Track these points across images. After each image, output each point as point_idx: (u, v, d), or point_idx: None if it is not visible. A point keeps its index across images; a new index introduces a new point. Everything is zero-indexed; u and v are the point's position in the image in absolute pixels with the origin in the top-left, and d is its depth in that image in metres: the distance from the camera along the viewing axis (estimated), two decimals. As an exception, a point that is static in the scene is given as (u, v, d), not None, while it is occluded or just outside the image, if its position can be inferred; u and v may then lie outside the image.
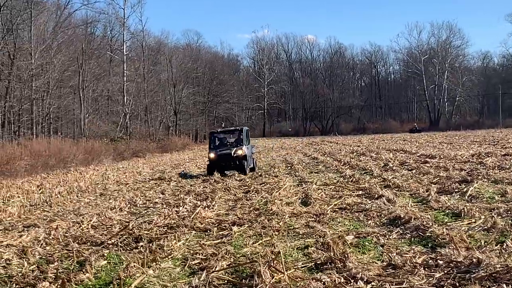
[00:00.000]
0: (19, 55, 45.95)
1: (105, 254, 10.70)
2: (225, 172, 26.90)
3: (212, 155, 26.25)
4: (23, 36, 48.23)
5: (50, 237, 12.57)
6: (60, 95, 54.48)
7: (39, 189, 23.94)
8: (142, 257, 9.82)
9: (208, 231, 12.64)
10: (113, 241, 11.96)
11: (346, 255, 9.03)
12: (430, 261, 8.60)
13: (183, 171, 31.76)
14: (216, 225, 13.25)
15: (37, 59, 47.59)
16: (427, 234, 10.43)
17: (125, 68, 65.31)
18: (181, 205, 16.81)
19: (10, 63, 44.79)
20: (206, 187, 22.14)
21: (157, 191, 22.10)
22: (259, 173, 28.06)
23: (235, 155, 25.61)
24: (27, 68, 46.04)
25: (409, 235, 10.72)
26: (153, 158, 48.18)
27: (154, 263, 9.67)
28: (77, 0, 56.78)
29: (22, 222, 15.77)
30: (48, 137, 47.37)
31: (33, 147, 37.90)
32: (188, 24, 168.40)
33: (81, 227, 13.76)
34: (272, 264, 8.61)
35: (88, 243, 12.03)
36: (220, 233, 12.27)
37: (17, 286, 8.82)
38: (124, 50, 65.88)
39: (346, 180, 21.28)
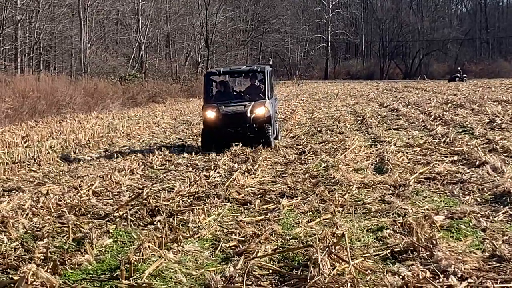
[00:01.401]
0: None
1: (111, 230, 9.61)
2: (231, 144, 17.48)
3: (211, 113, 17.21)
4: None
5: (39, 206, 11.42)
6: (53, 17, 46.05)
7: (25, 142, 22.31)
8: (160, 235, 8.86)
9: (248, 204, 11.28)
10: (121, 213, 10.74)
11: (434, 242, 8.04)
12: None
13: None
14: (259, 196, 11.89)
15: None
16: None
17: None
18: (212, 168, 15.34)
19: None
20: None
21: (180, 148, 20.32)
22: (318, 128, 24.28)
23: (252, 116, 16.93)
24: None
25: None
26: (176, 105, 42.84)
27: (176, 244, 8.71)
28: None
29: (1, 184, 14.70)
30: (38, 72, 40.56)
31: (17, 85, 33.16)
32: None
33: (79, 194, 12.48)
34: (333, 250, 7.74)
35: (89, 215, 10.81)
36: (264, 207, 10.89)
37: None
38: None
39: (436, 140, 18.93)
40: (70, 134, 24.76)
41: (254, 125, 16.83)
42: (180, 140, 22.94)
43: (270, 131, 16.99)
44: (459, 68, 67.97)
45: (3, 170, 16.12)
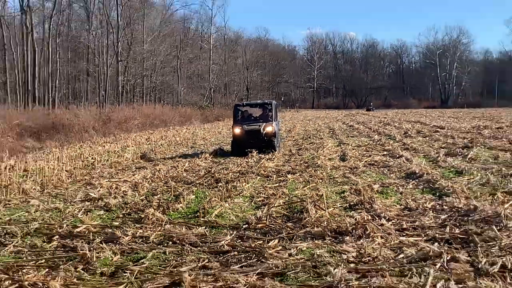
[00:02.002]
0: (135, 43, 59.48)
1: (194, 191, 12.59)
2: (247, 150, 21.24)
3: (237, 130, 21.11)
4: (138, 29, 61.61)
5: (155, 176, 14.93)
6: (163, 73, 67.42)
7: (147, 141, 28.54)
8: (220, 194, 11.75)
9: (269, 177, 14.65)
10: (199, 181, 14.09)
11: (373, 199, 10.36)
12: (437, 206, 9.76)
13: None
14: (275, 173, 15.31)
15: (147, 46, 61.10)
16: (436, 186, 11.83)
17: (211, 54, 79.49)
18: (249, 157, 19.44)
19: (128, 49, 58.22)
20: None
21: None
22: (308, 135, 30.38)
23: (264, 131, 20.74)
24: (140, 52, 59.57)
25: (421, 186, 12.20)
26: (230, 122, 50.03)
27: (229, 199, 11.35)
28: (177, 2, 70.77)
29: (135, 165, 18.99)
30: (154, 104, 58.82)
31: (143, 111, 45.83)
32: (259, 21, 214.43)
33: (176, 170, 16.34)
34: (316, 203, 10.01)
35: (182, 182, 14.04)
36: (278, 179, 14.18)
37: (130, 210, 10.56)
38: (211, 41, 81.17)
39: (374, 143, 24.42)
40: (171, 137, 31.44)
41: (265, 137, 20.75)
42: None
43: (275, 141, 21.16)
44: (371, 103, 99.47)
45: (135, 157, 21.05)
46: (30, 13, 50.38)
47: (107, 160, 20.12)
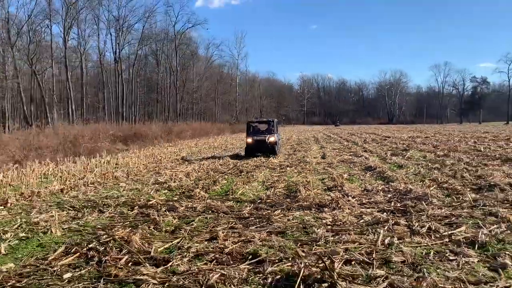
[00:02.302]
0: (187, 81, 62.31)
1: (226, 178, 12.63)
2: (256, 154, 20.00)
3: (249, 140, 19.71)
4: (189, 72, 64.17)
5: (200, 168, 14.96)
6: (206, 101, 69.65)
7: (195, 145, 28.43)
8: (243, 180, 11.95)
9: (275, 169, 14.57)
10: (229, 171, 14.08)
11: (343, 184, 10.48)
12: (386, 188, 9.83)
13: None
14: (279, 166, 15.22)
15: (195, 83, 63.95)
16: (385, 175, 11.88)
17: (237, 89, 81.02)
18: (260, 157, 19.02)
19: (183, 85, 60.86)
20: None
21: None
22: (301, 142, 30.14)
23: (268, 141, 19.38)
24: (190, 87, 62.43)
25: (375, 175, 12.21)
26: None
27: (248, 183, 11.43)
28: (215, 54, 74.71)
29: (185, 161, 18.63)
30: (200, 121, 60.03)
31: (193, 126, 46.76)
32: (269, 67, 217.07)
33: (214, 164, 16.11)
34: (305, 186, 10.22)
35: (218, 172, 14.00)
36: (281, 170, 14.16)
37: (184, 190, 10.66)
38: (237, 80, 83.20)
39: (344, 147, 24.17)
40: (211, 143, 30.99)
41: (269, 145, 19.21)
42: None
43: (276, 148, 19.52)
44: (337, 120, 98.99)
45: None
46: (120, 62, 51.09)
47: (169, 157, 20.21)
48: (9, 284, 4.70)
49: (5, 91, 40.73)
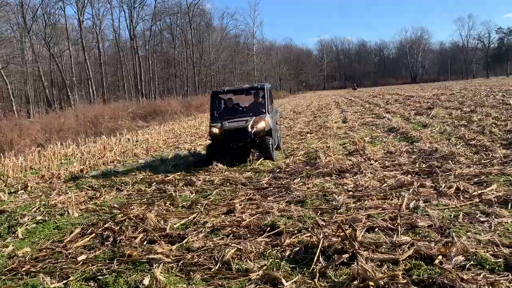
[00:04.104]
0: (204, 54, 59.47)
1: None
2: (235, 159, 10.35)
3: (215, 130, 10.30)
4: (205, 44, 61.55)
5: None
6: (224, 73, 66.70)
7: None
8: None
9: (295, 136, 14.32)
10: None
11: (365, 147, 10.22)
12: (410, 149, 9.59)
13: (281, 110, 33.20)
14: (299, 134, 14.96)
15: (212, 56, 60.70)
16: (408, 135, 11.58)
17: (254, 58, 78.46)
18: (281, 123, 18.22)
19: (200, 58, 57.92)
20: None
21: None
22: (321, 107, 28.77)
23: (253, 129, 10.17)
24: (207, 60, 59.14)
25: (398, 136, 11.92)
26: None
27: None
28: (230, 24, 73.82)
29: (207, 133, 18.10)
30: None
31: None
32: (285, 33, 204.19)
33: None
34: (326, 152, 10.07)
35: None
36: (301, 137, 13.93)
37: (202, 163, 10.50)
38: (254, 49, 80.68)
39: (365, 109, 23.26)
40: None
41: (255, 138, 10.05)
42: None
43: (270, 143, 10.11)
44: (354, 83, 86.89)
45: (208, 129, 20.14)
46: (136, 39, 50.81)
47: (189, 132, 20.04)
48: (23, 269, 4.65)
49: (26, 77, 41.20)
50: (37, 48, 42.07)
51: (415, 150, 9.36)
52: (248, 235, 5.09)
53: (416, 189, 6.25)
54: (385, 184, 6.79)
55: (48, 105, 40.34)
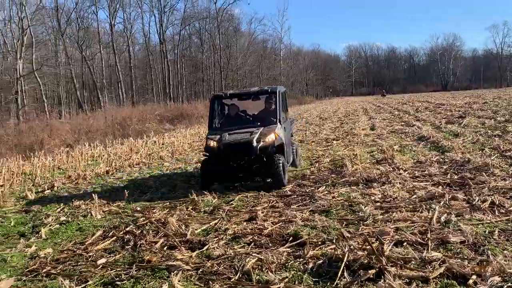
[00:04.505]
0: (231, 58, 59.51)
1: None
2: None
3: (212, 143, 8.05)
4: (233, 49, 61.36)
5: None
6: (250, 77, 66.54)
7: None
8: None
9: (320, 143, 13.99)
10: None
11: (394, 156, 9.82)
12: (441, 159, 9.17)
13: (307, 116, 32.73)
14: (325, 140, 14.65)
15: (239, 60, 60.89)
16: (439, 145, 11.12)
17: (281, 63, 78.04)
18: (307, 129, 18.76)
19: (227, 62, 57.95)
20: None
21: (297, 123, 22.47)
22: (348, 114, 28.20)
23: (259, 144, 7.81)
24: (234, 65, 59.16)
25: (429, 145, 11.46)
26: (295, 107, 47.72)
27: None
28: (258, 29, 74.09)
29: None
30: None
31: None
32: (313, 39, 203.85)
33: None
34: (352, 160, 9.71)
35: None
36: (327, 144, 13.63)
37: None
38: (281, 54, 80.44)
39: (394, 117, 22.49)
40: None
41: (262, 155, 7.85)
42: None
43: (281, 163, 7.85)
44: (383, 90, 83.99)
45: None
46: (165, 43, 51.52)
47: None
48: (44, 270, 4.64)
49: (59, 78, 42.37)
50: (70, 51, 43.21)
51: (447, 160, 8.99)
52: (270, 245, 4.94)
53: (447, 202, 5.95)
54: (414, 196, 6.49)
55: (79, 107, 41.32)
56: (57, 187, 9.11)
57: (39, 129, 17.60)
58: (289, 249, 4.75)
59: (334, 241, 4.80)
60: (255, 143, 7.76)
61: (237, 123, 8.62)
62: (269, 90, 8.97)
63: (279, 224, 5.61)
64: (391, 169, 8.48)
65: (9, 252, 5.29)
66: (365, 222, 5.46)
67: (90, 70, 44.91)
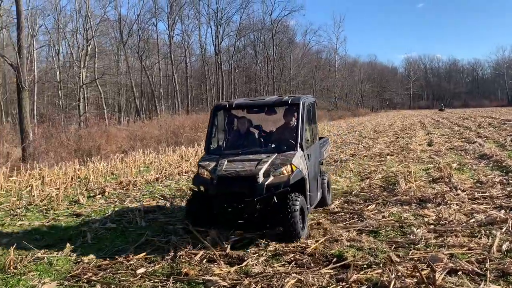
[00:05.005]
0: (284, 69, 60.26)
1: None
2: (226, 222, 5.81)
3: (204, 172, 5.72)
4: (286, 60, 61.89)
5: None
6: (303, 89, 64.45)
7: None
8: (335, 170, 11.23)
9: (373, 158, 13.48)
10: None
11: (451, 175, 9.19)
12: (504, 180, 8.55)
13: (361, 128, 31.96)
14: (378, 155, 14.10)
15: (292, 71, 61.03)
16: (503, 164, 10.40)
17: (336, 74, 76.48)
18: (359, 143, 18.20)
19: (280, 73, 58.90)
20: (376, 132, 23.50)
21: (350, 135, 22.95)
22: (405, 128, 27.14)
23: (267, 180, 5.39)
24: (287, 76, 59.80)
25: (491, 164, 10.72)
26: (349, 120, 48.05)
27: (341, 174, 10.76)
28: (313, 40, 73.51)
29: None
30: None
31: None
32: (370, 49, 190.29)
33: None
34: (406, 177, 9.17)
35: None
36: (380, 159, 13.11)
37: None
38: (336, 65, 79.01)
39: (454, 132, 21.23)
40: None
41: (272, 196, 5.50)
42: (349, 132, 26.58)
43: (298, 207, 5.41)
44: (442, 104, 79.14)
45: None
46: (220, 54, 52.67)
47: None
48: (85, 276, 4.70)
49: (120, 87, 44.41)
50: (130, 60, 45.24)
51: (511, 181, 8.37)
52: (312, 265, 4.72)
53: (510, 228, 5.49)
54: (473, 219, 6.04)
55: (137, 114, 42.98)
56: (108, 193, 9.35)
57: (98, 135, 18.36)
58: (331, 270, 4.52)
59: (381, 265, 4.52)
60: (261, 178, 5.37)
61: (245, 144, 6.26)
62: (289, 101, 6.34)
63: (323, 242, 5.38)
64: (448, 189, 8.00)
65: (56, 256, 5.44)
66: (416, 246, 5.13)
67: (149, 80, 46.68)
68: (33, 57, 29.77)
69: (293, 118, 6.33)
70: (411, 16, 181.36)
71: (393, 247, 5.18)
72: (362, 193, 8.25)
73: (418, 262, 4.55)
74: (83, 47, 33.59)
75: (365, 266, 4.56)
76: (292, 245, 5.33)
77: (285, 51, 62.47)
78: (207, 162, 5.86)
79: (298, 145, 5.93)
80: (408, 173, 9.75)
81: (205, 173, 5.70)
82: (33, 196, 8.86)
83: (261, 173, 5.40)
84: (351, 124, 36.45)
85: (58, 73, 34.01)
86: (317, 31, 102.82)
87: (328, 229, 6.00)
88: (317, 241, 5.39)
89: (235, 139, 6.50)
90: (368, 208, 7.05)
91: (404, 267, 4.41)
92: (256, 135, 6.56)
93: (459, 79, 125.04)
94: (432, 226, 5.89)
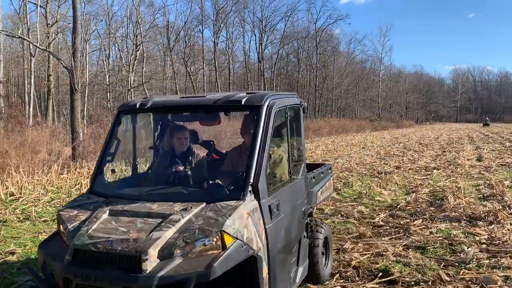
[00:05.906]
0: (327, 78, 59.71)
1: (360, 179, 11.42)
2: None
3: (62, 231, 2.92)
4: (329, 68, 60.06)
5: (337, 166, 13.58)
6: (346, 98, 64.30)
7: (332, 143, 25.60)
8: (379, 182, 10.79)
9: (419, 171, 12.98)
10: (365, 172, 12.81)
11: (504, 192, 8.85)
12: None
13: (406, 140, 31.19)
14: (424, 168, 13.58)
15: (335, 80, 60.40)
16: None
17: (380, 84, 74.33)
18: (404, 155, 17.64)
19: (323, 82, 58.60)
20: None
21: (394, 147, 22.19)
22: (452, 141, 26.09)
23: (166, 270, 2.40)
24: (330, 84, 58.63)
25: None
26: (392, 131, 46.98)
27: (385, 186, 10.35)
28: (357, 49, 72.76)
29: (321, 158, 16.92)
30: (339, 117, 56.73)
31: (331, 122, 44.67)
32: (416, 60, 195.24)
33: (350, 163, 14.80)
34: (455, 193, 8.88)
35: (353, 172, 12.75)
36: (426, 173, 12.60)
37: None
38: (380, 75, 76.43)
39: (506, 148, 20.23)
40: (349, 140, 28.01)
41: None
42: (393, 143, 26.44)
43: None
44: (487, 118, 70.92)
45: (323, 153, 19.00)
46: (263, 62, 53.01)
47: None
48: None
49: (165, 91, 45.56)
50: (176, 66, 46.37)
51: None
52: (356, 278, 4.61)
53: None
54: (529, 241, 5.71)
55: (180, 118, 43.92)
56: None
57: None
58: (377, 285, 4.39)
59: (429, 283, 4.35)
60: (150, 263, 2.56)
61: (167, 178, 3.64)
62: (242, 102, 3.37)
63: (368, 256, 5.25)
64: (501, 207, 7.62)
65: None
66: (468, 266, 4.90)
67: (193, 85, 47.63)
68: (86, 60, 31.09)
69: (250, 130, 3.43)
70: (460, 27, 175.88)
71: (442, 265, 4.97)
72: (408, 207, 7.96)
73: (470, 282, 4.35)
74: (132, 52, 34.75)
75: (413, 283, 4.40)
76: (336, 257, 5.23)
77: (328, 59, 61.97)
78: (75, 212, 3.14)
79: (249, 188, 3.00)
80: (456, 189, 9.40)
81: (64, 234, 3.01)
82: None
83: (151, 250, 2.57)
84: (394, 136, 35.53)
85: (107, 76, 35.33)
86: (362, 40, 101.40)
87: (373, 243, 5.84)
88: (361, 254, 5.28)
89: (157, 167, 3.97)
90: (415, 223, 6.79)
91: (454, 286, 4.23)
92: (195, 160, 3.90)
93: (511, 92, 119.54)
94: (484, 246, 5.62)
